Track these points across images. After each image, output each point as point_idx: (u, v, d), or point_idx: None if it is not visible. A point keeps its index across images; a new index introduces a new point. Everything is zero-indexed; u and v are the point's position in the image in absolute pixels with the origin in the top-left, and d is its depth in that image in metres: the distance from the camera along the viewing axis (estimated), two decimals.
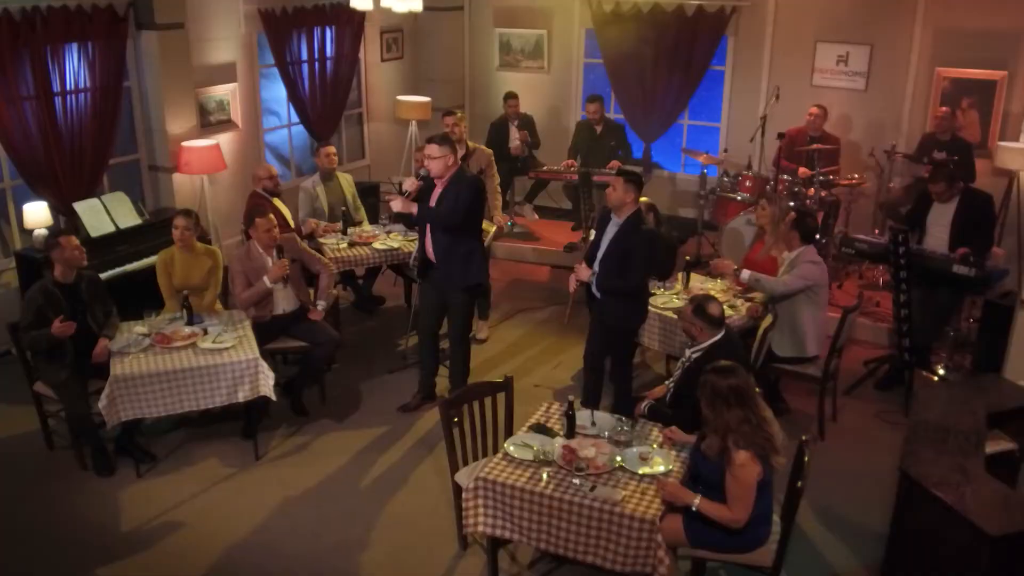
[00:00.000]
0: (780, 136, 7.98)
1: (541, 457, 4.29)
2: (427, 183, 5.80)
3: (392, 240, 7.27)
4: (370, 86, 10.10)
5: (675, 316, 6.00)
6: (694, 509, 3.99)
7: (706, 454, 4.01)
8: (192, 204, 7.79)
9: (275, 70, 8.82)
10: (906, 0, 8.58)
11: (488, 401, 4.80)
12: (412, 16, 10.28)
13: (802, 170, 8.27)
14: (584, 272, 5.60)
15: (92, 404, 5.43)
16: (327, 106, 9.25)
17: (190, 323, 5.74)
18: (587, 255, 5.70)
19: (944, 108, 8.02)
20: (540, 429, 4.59)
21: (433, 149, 5.62)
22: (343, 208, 7.58)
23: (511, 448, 4.39)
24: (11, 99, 6.53)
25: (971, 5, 8.28)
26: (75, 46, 6.93)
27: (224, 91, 8.23)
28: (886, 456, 5.59)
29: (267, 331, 5.97)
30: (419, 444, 5.90)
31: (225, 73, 8.24)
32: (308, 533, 4.99)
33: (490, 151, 7.42)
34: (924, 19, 8.56)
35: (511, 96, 9.29)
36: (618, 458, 4.27)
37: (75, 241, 5.49)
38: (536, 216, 9.77)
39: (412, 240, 7.32)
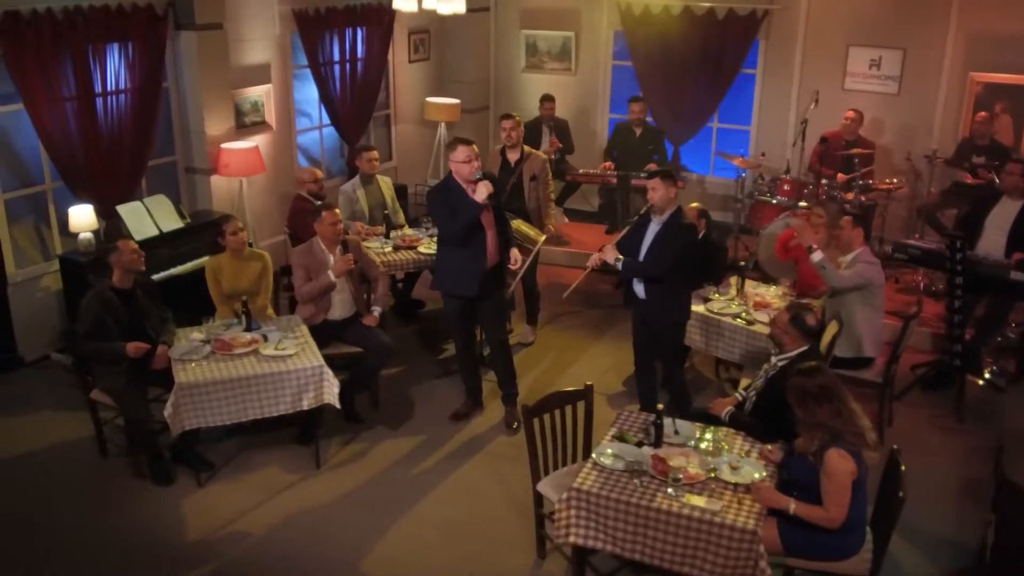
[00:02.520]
0: (823, 140, 7.96)
1: (635, 467, 4.24)
2: (493, 181, 5.65)
3: (430, 245, 7.19)
4: (398, 87, 10.02)
5: (734, 322, 5.98)
6: (791, 513, 3.97)
7: (800, 454, 4.00)
8: (230, 207, 7.72)
9: (305, 71, 8.74)
10: (939, 4, 8.61)
11: (568, 409, 4.74)
12: (439, 17, 10.19)
13: (840, 175, 8.27)
14: (611, 254, 5.54)
15: (152, 411, 5.35)
16: (357, 107, 9.17)
17: (248, 329, 5.65)
18: (619, 244, 5.65)
19: (983, 113, 8.05)
20: (623, 438, 4.54)
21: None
22: (384, 211, 7.51)
23: (600, 458, 4.33)
24: (53, 99, 6.43)
25: (1005, 10, 8.31)
26: (116, 46, 6.82)
27: (259, 92, 8.14)
28: (944, 461, 5.65)
29: (319, 336, 5.87)
30: (475, 451, 5.83)
31: (260, 74, 8.14)
32: (379, 543, 4.92)
33: (545, 156, 7.33)
34: (957, 24, 8.58)
35: (548, 99, 9.23)
36: (711, 467, 4.23)
37: (133, 245, 5.40)
38: (566, 219, 9.71)
39: None
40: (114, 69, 6.84)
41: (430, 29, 10.29)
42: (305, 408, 5.37)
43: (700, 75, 9.67)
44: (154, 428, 5.38)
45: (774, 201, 8.45)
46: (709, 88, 9.70)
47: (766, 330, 5.85)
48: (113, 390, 5.30)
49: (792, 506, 3.97)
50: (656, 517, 4.03)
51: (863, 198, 7.93)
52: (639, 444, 4.46)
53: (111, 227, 6.74)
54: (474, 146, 5.56)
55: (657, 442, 4.43)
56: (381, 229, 7.36)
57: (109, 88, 6.81)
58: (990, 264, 6.17)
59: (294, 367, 5.28)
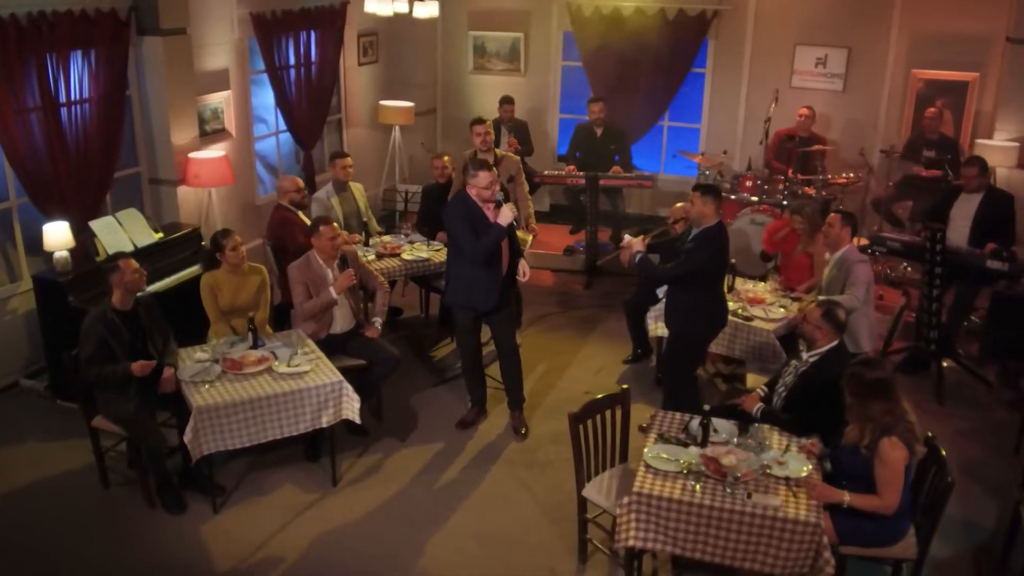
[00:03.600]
0: (790, 138, 8.20)
1: (692, 468, 4.29)
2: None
3: (419, 250, 7.12)
4: (349, 91, 9.84)
5: (732, 319, 6.10)
6: (845, 505, 4.09)
7: (849, 444, 4.12)
8: (197, 218, 7.45)
9: (260, 77, 8.49)
10: (882, 5, 9.00)
11: (608, 414, 4.76)
12: (387, 19, 10.05)
13: (790, 171, 8.54)
14: (637, 245, 5.60)
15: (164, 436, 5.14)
16: (312, 112, 8.96)
17: (256, 346, 5.47)
18: (655, 245, 5.71)
19: (932, 109, 8.45)
20: (665, 439, 4.59)
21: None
22: (364, 219, 7.38)
23: (653, 462, 4.37)
24: (18, 110, 6.07)
25: (945, 10, 8.76)
26: (79, 53, 6.48)
27: (219, 99, 7.86)
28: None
29: (323, 350, 5.71)
30: (491, 459, 5.80)
31: (220, 80, 7.86)
32: (421, 558, 4.84)
33: (518, 158, 7.33)
34: (900, 23, 8.99)
35: (507, 101, 9.22)
36: (762, 464, 4.32)
37: (135, 264, 5.14)
38: None
39: (439, 250, 7.20)
40: (78, 78, 6.50)
41: (378, 31, 10.14)
42: (324, 425, 5.23)
43: (651, 75, 9.84)
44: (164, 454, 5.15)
45: (733, 197, 8.66)
46: (660, 87, 9.89)
47: (765, 325, 6.06)
48: (122, 417, 5.05)
49: (846, 498, 4.10)
50: (719, 516, 4.10)
51: (824, 193, 8.22)
52: (684, 445, 4.52)
53: (82, 244, 6.40)
54: (495, 170, 5.54)
55: (704, 442, 4.50)
56: (360, 237, 7.23)
57: (74, 97, 6.47)
58: (965, 254, 6.49)
59: (312, 384, 5.13)
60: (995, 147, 8.26)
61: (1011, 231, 6.66)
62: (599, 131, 8.94)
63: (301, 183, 6.87)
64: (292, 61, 8.59)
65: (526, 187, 7.37)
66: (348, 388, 5.23)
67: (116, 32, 6.68)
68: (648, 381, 6.80)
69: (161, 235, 6.78)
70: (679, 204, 7.04)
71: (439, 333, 7.55)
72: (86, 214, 6.57)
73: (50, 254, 6.13)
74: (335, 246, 5.81)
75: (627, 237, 5.71)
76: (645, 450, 4.49)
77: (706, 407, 4.61)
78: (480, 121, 7.21)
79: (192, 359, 5.33)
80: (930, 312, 6.56)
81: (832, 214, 6.19)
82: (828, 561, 4.02)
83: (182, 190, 7.33)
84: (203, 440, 4.89)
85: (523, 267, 5.91)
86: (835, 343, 4.73)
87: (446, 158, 7.58)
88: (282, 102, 8.62)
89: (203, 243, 7.14)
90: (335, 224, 5.87)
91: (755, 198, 8.46)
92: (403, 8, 7.61)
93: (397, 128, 9.82)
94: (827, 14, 9.20)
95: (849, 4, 9.10)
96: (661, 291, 6.70)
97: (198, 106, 7.53)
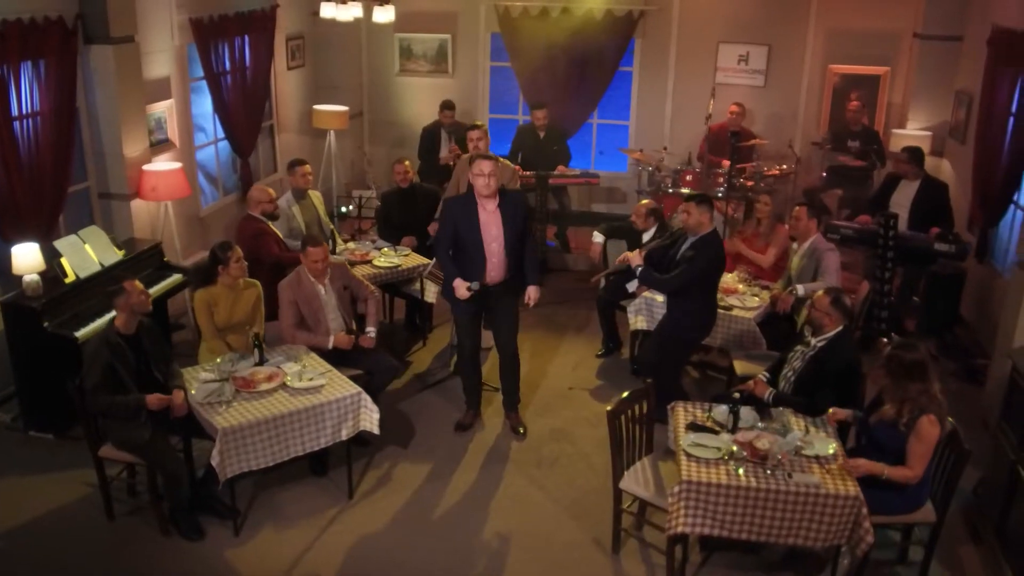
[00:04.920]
0: (734, 135, 8.56)
1: (734, 454, 4.50)
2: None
3: (390, 257, 7.08)
4: (279, 96, 9.62)
5: None
6: (884, 478, 4.38)
7: (883, 421, 4.42)
8: (153, 233, 7.18)
9: (198, 84, 8.22)
10: (800, 4, 9.51)
11: (636, 408, 4.92)
12: (312, 22, 9.93)
13: (725, 162, 8.94)
14: (636, 260, 5.84)
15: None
16: (248, 119, 8.74)
17: (261, 362, 5.34)
18: (649, 253, 5.91)
19: (855, 102, 9.00)
20: (695, 427, 4.79)
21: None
22: (331, 227, 7.28)
23: (692, 450, 4.55)
24: None
25: (857, 8, 9.34)
26: (29, 64, 6.12)
27: (162, 108, 7.57)
28: None
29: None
30: (496, 460, 5.86)
31: (163, 89, 7.57)
32: (454, 564, 4.86)
33: (513, 166, 7.35)
34: (816, 21, 9.54)
35: (448, 106, 9.21)
36: (799, 444, 4.57)
37: (140, 285, 4.94)
38: None
39: (407, 255, 7.18)
40: (28, 89, 6.14)
41: (304, 35, 9.96)
42: (344, 438, 5.18)
43: (580, 74, 10.05)
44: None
45: (670, 191, 8.99)
46: (589, 86, 10.11)
47: (744, 314, 6.36)
48: (136, 444, 4.83)
49: (886, 472, 4.39)
50: (765, 497, 4.32)
51: (763, 184, 8.65)
52: (715, 432, 4.73)
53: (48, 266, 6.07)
54: (499, 162, 5.60)
55: (734, 428, 4.72)
56: (327, 246, 7.12)
57: (25, 111, 6.11)
58: (915, 239, 6.98)
59: (332, 398, 5.07)
60: (910, 136, 8.88)
61: (949, 216, 7.20)
62: (542, 133, 9.08)
63: (273, 193, 6.72)
64: (229, 67, 8.35)
65: None
66: (367, 399, 5.20)
67: (64, 41, 6.34)
68: (624, 373, 7.01)
69: (123, 252, 6.50)
70: (644, 201, 7.28)
71: (410, 338, 7.53)
72: (42, 234, 6.23)
73: (14, 277, 5.79)
74: (324, 267, 5.75)
75: (624, 253, 5.88)
76: (680, 440, 4.66)
77: (736, 395, 4.82)
78: (475, 127, 7.21)
79: (198, 380, 5.17)
80: (881, 293, 7.03)
81: (797, 207, 6.55)
82: (868, 530, 4.30)
83: (135, 204, 7.02)
84: (227, 462, 4.76)
85: (530, 293, 5.88)
86: (841, 328, 5.04)
87: (407, 163, 7.56)
88: (220, 109, 8.36)
89: (165, 259, 6.92)
90: (324, 245, 5.80)
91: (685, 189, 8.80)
92: (357, 13, 7.54)
93: (332, 133, 9.68)
94: (748, 13, 9.64)
95: (769, 3, 9.57)
96: (631, 285, 6.94)
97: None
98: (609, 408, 4.71)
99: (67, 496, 5.32)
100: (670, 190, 8.97)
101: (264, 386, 5.11)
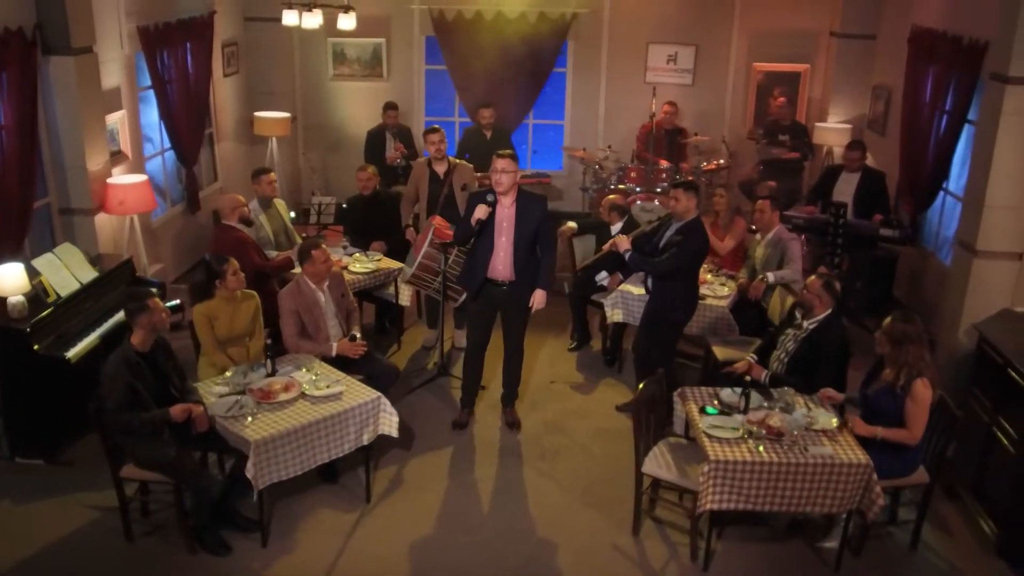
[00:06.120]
0: (678, 132, 8.94)
1: (753, 433, 4.81)
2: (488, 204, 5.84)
3: (364, 263, 7.13)
4: (217, 103, 9.45)
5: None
6: (879, 438, 4.77)
7: (880, 388, 4.82)
8: (116, 247, 7.01)
9: (142, 94, 8.03)
10: (725, 5, 10.01)
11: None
12: (245, 28, 9.81)
13: (662, 161, 9.33)
14: (623, 244, 6.07)
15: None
16: (192, 127, 8.58)
17: (273, 373, 5.34)
18: (635, 238, 6.18)
19: (783, 98, 9.56)
20: (707, 411, 5.08)
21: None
22: (303, 236, 7.25)
23: (713, 431, 4.85)
24: None
25: (778, 8, 9.91)
26: None
27: (115, 119, 7.36)
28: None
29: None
30: (502, 455, 6.02)
31: (115, 99, 7.37)
32: (488, 559, 5.01)
33: (471, 166, 7.47)
34: (740, 21, 10.05)
35: (391, 107, 9.26)
36: (808, 420, 4.93)
37: (161, 303, 4.88)
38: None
39: (379, 260, 7.24)
40: None
41: (238, 41, 9.81)
42: (366, 443, 5.25)
43: (515, 76, 10.27)
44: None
45: (611, 186, 9.32)
46: (525, 88, 10.34)
47: (717, 303, 6.73)
48: (162, 462, 4.76)
49: (880, 432, 4.79)
50: (786, 470, 4.65)
51: (703, 179, 9.07)
52: (728, 414, 5.04)
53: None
54: (516, 160, 5.79)
55: (746, 409, 5.04)
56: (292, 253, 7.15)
57: None
58: (862, 226, 7.51)
59: (354, 404, 5.13)
60: (832, 129, 9.50)
61: (887, 203, 7.78)
62: (488, 133, 9.25)
63: (243, 199, 6.68)
64: (174, 75, 8.18)
65: None
66: (385, 403, 5.28)
67: (24, 52, 6.13)
68: (599, 365, 7.29)
69: (98, 269, 6.33)
70: (610, 196, 7.57)
71: (381, 342, 7.58)
72: (10, 253, 6.02)
73: None
74: (328, 268, 5.79)
75: (613, 239, 6.13)
76: (699, 423, 4.95)
77: (747, 378, 5.14)
78: (435, 130, 7.26)
79: (213, 394, 5.13)
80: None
81: (760, 201, 6.95)
82: (879, 494, 4.70)
83: (99, 218, 6.83)
84: (260, 474, 4.77)
85: (535, 297, 5.93)
86: (830, 311, 5.43)
87: (371, 169, 7.60)
88: (167, 118, 8.19)
89: (137, 274, 6.77)
90: (324, 247, 5.83)
91: (639, 188, 9.15)
92: (316, 23, 7.56)
93: (274, 140, 9.58)
94: (676, 14, 10.07)
95: (696, 5, 10.02)
96: (600, 278, 7.22)
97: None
98: (632, 398, 4.96)
99: (75, 522, 5.18)
100: (612, 186, 9.29)
101: (283, 396, 5.12)
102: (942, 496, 5.60)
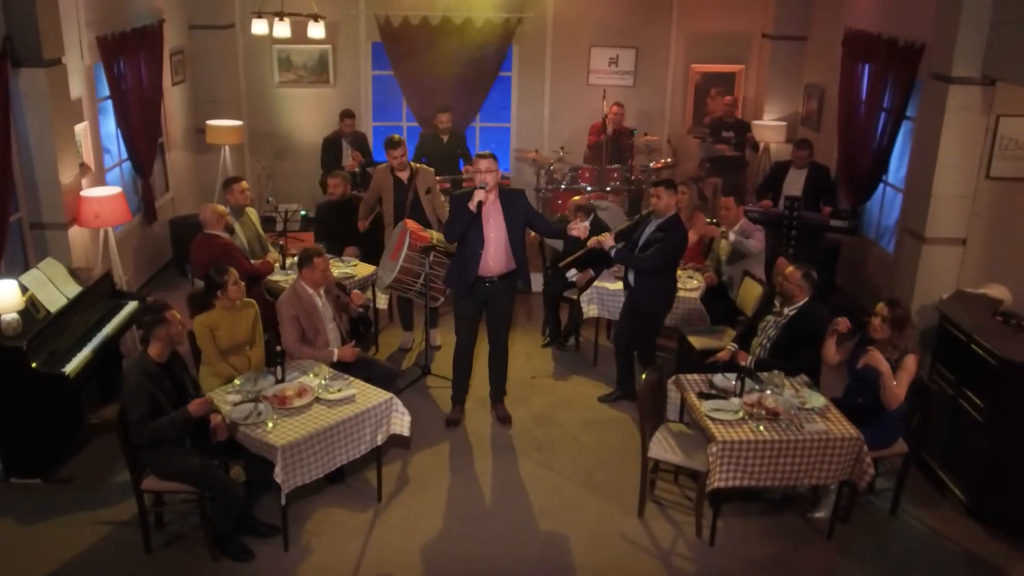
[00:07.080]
0: (632, 133, 9.27)
1: (753, 414, 5.15)
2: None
3: (341, 267, 7.21)
4: (167, 112, 9.32)
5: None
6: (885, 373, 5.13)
7: (867, 365, 5.21)
8: (88, 261, 6.92)
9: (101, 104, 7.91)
10: (663, 9, 10.41)
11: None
12: (190, 36, 9.71)
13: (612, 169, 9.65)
14: (608, 241, 6.34)
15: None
16: (147, 137, 8.46)
17: (282, 379, 5.41)
18: (618, 234, 6.46)
19: (728, 97, 10.02)
20: (705, 396, 5.40)
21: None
22: (281, 242, 7.29)
23: (715, 414, 5.16)
24: None
25: (713, 12, 10.37)
26: None
27: (78, 131, 7.24)
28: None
29: None
30: (499, 449, 6.22)
31: (78, 111, 7.24)
32: (509, 548, 5.20)
33: (432, 169, 7.61)
34: (678, 25, 10.48)
35: (348, 115, 9.33)
36: (800, 400, 5.29)
37: (179, 315, 4.90)
38: None
39: (355, 265, 7.34)
40: None
41: (184, 49, 9.70)
42: (380, 443, 5.38)
43: (462, 80, 10.44)
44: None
45: (563, 187, 9.60)
46: (471, 92, 10.53)
47: (690, 295, 7.07)
48: (187, 471, 4.79)
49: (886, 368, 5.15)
50: (786, 447, 5.00)
51: (653, 177, 9.44)
52: (724, 397, 5.37)
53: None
54: (495, 159, 5.99)
55: (742, 392, 5.37)
56: (277, 257, 7.20)
57: None
58: (811, 218, 7.98)
59: (369, 405, 5.26)
60: (769, 126, 10.01)
61: (834, 196, 8.28)
62: (445, 138, 9.41)
63: (223, 208, 6.70)
64: (130, 85, 8.07)
65: (442, 197, 7.68)
66: (398, 403, 5.41)
67: None
68: (574, 358, 7.57)
69: (80, 283, 6.25)
70: (575, 198, 7.84)
71: (357, 344, 7.65)
72: None
73: None
74: (326, 277, 5.89)
75: (597, 236, 6.38)
76: (700, 407, 5.26)
77: (744, 363, 5.48)
78: (394, 145, 7.33)
79: (227, 403, 5.17)
80: None
81: (724, 198, 7.31)
82: (870, 464, 5.09)
83: (72, 232, 6.73)
84: (287, 478, 4.85)
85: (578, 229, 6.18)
86: (808, 298, 5.82)
87: (342, 175, 7.69)
88: (124, 128, 8.06)
89: (118, 287, 6.70)
90: (324, 254, 5.92)
91: (591, 188, 9.46)
92: (285, 32, 7.61)
93: (227, 148, 9.51)
94: (617, 18, 10.42)
95: (635, 9, 10.40)
96: (571, 275, 7.49)
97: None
98: (639, 388, 5.23)
99: (87, 540, 5.15)
100: (562, 186, 9.56)
101: (297, 402, 5.20)
102: (912, 466, 6.05)
